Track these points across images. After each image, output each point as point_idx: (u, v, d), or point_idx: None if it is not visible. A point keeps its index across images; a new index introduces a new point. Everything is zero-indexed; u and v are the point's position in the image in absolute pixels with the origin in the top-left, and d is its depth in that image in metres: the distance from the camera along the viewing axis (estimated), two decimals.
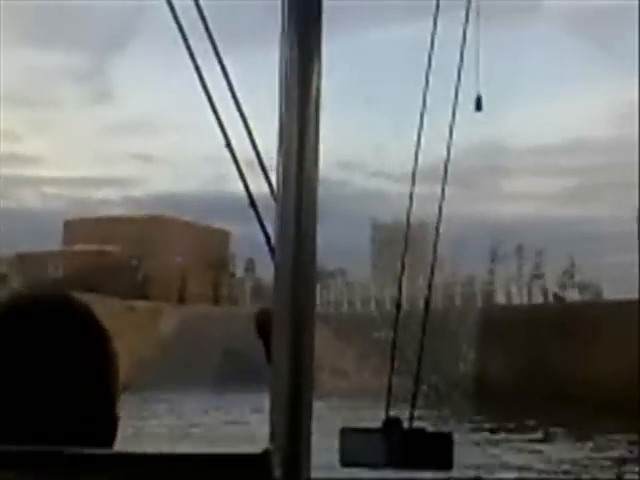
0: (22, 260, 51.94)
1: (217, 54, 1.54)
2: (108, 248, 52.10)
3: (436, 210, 1.82)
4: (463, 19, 1.68)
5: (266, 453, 1.06)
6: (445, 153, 1.84)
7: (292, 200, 1.08)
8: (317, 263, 1.09)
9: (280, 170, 1.09)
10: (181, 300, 48.04)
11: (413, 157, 1.74)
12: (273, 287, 1.07)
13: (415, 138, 1.71)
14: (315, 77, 1.11)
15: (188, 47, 1.53)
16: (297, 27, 1.10)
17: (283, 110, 1.10)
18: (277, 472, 1.06)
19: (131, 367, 30.38)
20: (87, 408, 1.32)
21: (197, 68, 1.52)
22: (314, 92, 1.10)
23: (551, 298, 41.55)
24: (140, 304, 39.73)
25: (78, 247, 52.58)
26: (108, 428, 1.36)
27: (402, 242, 1.83)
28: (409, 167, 1.69)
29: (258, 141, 1.67)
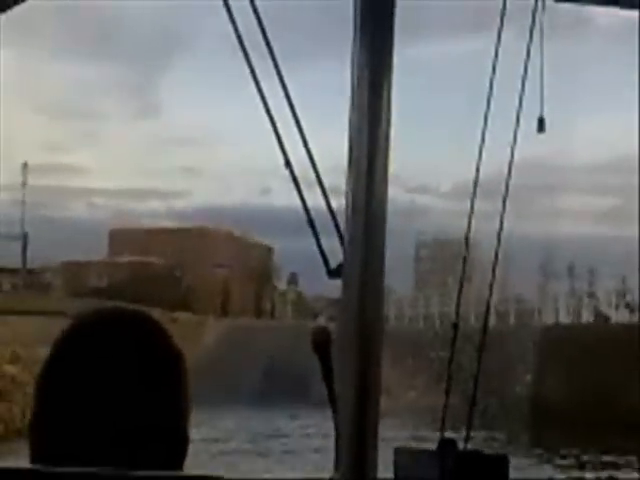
0: (67, 269, 52.53)
1: (278, 71, 1.56)
2: (152, 259, 52.48)
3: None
4: (523, 39, 1.68)
5: None
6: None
7: (361, 218, 1.07)
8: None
9: (349, 188, 1.09)
10: (224, 312, 48.20)
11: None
12: (339, 306, 1.07)
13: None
14: (386, 92, 1.10)
15: (249, 64, 1.55)
16: (369, 43, 1.10)
17: (353, 126, 1.09)
18: None
19: None
20: (160, 426, 1.34)
21: (258, 85, 1.54)
22: (385, 107, 1.10)
23: (612, 318, 41.01)
24: (183, 316, 39.91)
25: (122, 258, 53.06)
26: (179, 446, 1.37)
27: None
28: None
29: (311, 158, 1.69)
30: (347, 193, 1.09)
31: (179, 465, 1.35)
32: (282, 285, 57.82)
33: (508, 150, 1.79)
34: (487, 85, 1.72)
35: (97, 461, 1.22)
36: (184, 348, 1.43)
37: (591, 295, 44.59)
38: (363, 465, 1.05)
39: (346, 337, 1.07)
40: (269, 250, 58.22)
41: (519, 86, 1.78)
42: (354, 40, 1.11)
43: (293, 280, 57.21)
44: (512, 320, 39.81)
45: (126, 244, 54.39)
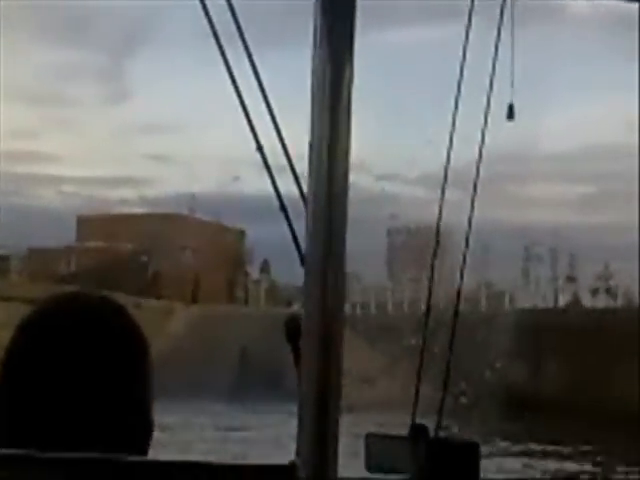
0: (32, 255, 52.25)
1: (249, 56, 1.58)
2: (118, 245, 52.30)
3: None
4: (495, 26, 1.72)
5: (293, 464, 1.09)
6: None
7: (322, 204, 1.10)
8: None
9: (311, 173, 1.11)
10: (193, 299, 48.11)
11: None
12: (303, 291, 1.10)
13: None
14: (346, 81, 1.13)
15: (221, 48, 1.57)
16: (329, 30, 1.12)
17: (314, 115, 1.12)
18: None
19: None
20: (122, 410, 1.37)
21: (229, 70, 1.56)
22: (345, 95, 1.12)
23: (589, 303, 41.53)
24: (148, 302, 39.69)
25: (89, 244, 52.86)
26: (143, 432, 1.40)
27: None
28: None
29: (286, 143, 1.72)
30: (309, 182, 1.12)
31: (144, 447, 1.39)
32: (254, 270, 57.84)
33: (479, 137, 1.83)
34: (457, 72, 1.75)
35: (62, 446, 1.25)
36: (148, 336, 1.45)
37: (572, 279, 45.17)
38: (324, 449, 1.08)
39: (308, 324, 1.10)
40: (241, 234, 58.17)
41: (490, 73, 1.81)
42: (314, 24, 1.13)
43: (265, 268, 57.18)
44: (505, 306, 40.44)
45: (94, 230, 54.16)
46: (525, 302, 42.03)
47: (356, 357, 31.78)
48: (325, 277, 1.09)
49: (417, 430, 1.82)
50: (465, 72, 1.77)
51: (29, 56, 63.40)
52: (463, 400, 28.16)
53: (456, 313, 1.92)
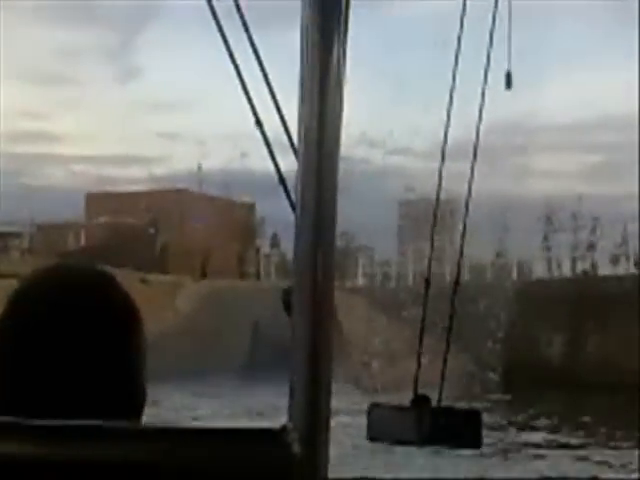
0: (41, 232, 52.38)
1: (248, 32, 1.61)
2: (128, 220, 52.36)
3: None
4: None
5: (284, 428, 1.11)
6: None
7: (312, 177, 1.11)
8: (344, 240, 1.14)
9: (300, 142, 1.12)
10: (203, 274, 48.10)
11: (439, 134, 1.81)
12: (294, 260, 1.13)
13: (442, 115, 1.78)
14: (336, 50, 1.12)
15: (219, 26, 1.60)
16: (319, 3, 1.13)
17: (303, 86, 1.13)
18: (295, 448, 1.09)
19: None
20: (112, 379, 1.40)
21: (228, 47, 1.59)
22: (335, 65, 1.12)
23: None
24: (155, 277, 39.59)
25: (98, 219, 52.98)
26: (135, 401, 1.44)
27: (428, 218, 1.89)
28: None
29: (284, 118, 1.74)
30: (299, 155, 1.13)
31: (137, 416, 1.42)
32: (265, 244, 57.76)
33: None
34: (461, 41, 1.77)
35: (53, 415, 1.27)
36: (156, 311, 1.47)
37: (592, 246, 45.27)
38: (316, 414, 1.11)
39: (299, 290, 1.13)
40: (251, 207, 58.14)
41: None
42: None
43: (275, 242, 57.11)
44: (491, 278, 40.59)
45: (102, 207, 54.24)
46: (544, 271, 42.26)
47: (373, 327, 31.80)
48: (315, 248, 1.11)
49: (420, 400, 1.87)
50: (466, 43, 1.79)
51: (37, 35, 63.43)
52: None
53: (456, 286, 1.95)
